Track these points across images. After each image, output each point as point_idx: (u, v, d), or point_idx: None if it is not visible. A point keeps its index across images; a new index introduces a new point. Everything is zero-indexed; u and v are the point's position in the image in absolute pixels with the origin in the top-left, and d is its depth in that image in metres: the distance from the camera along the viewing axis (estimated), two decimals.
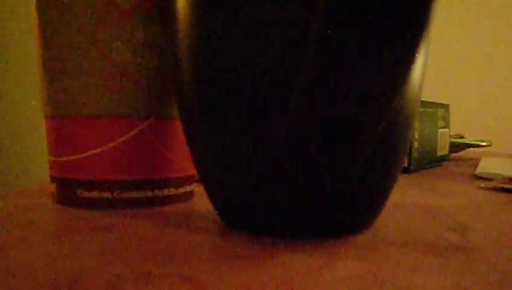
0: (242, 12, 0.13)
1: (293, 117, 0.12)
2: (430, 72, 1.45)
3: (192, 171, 0.23)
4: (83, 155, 0.20)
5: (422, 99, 0.47)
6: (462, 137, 0.59)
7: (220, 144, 0.15)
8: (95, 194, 0.20)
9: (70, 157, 0.20)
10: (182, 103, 0.16)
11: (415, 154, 0.38)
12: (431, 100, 1.47)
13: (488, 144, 0.52)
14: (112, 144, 0.19)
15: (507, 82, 1.40)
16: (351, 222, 0.15)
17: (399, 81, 0.11)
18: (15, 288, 0.10)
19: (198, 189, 0.26)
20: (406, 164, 0.37)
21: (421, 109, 0.39)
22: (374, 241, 0.15)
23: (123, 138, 0.20)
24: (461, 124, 1.44)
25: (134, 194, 0.20)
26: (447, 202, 0.23)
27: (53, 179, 0.21)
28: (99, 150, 0.19)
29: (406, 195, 0.26)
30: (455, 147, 0.52)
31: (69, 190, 0.20)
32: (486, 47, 1.41)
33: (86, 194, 0.20)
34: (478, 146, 0.51)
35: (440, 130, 0.44)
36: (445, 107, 0.45)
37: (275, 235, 0.15)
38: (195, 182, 0.27)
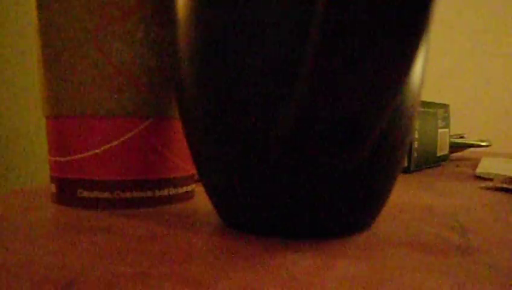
0: (242, 11, 0.13)
1: (292, 117, 0.12)
2: (430, 72, 1.45)
3: (192, 171, 0.23)
4: (83, 155, 0.20)
5: (422, 100, 0.47)
6: (462, 137, 0.59)
7: (220, 144, 0.15)
8: (95, 194, 0.20)
9: (70, 157, 0.20)
10: (182, 103, 0.16)
11: (415, 154, 0.38)
12: (431, 100, 1.47)
13: (488, 144, 0.52)
14: (112, 144, 0.19)
15: (507, 82, 1.40)
16: (351, 222, 0.15)
17: (399, 81, 0.11)
18: (15, 288, 0.10)
19: (198, 189, 0.26)
20: (406, 164, 0.37)
21: (421, 109, 0.39)
22: (374, 241, 0.15)
23: (123, 138, 0.20)
24: (461, 124, 1.44)
25: (134, 194, 0.20)
26: (447, 202, 0.23)
27: (53, 179, 0.21)
28: (99, 150, 0.19)
29: (406, 195, 0.26)
30: (455, 147, 0.52)
31: (69, 190, 0.20)
32: (486, 47, 1.41)
33: (86, 194, 0.20)
34: (478, 146, 0.51)
35: (440, 130, 0.44)
36: (445, 107, 0.45)
37: (275, 235, 0.15)
38: (195, 182, 0.27)
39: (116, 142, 0.19)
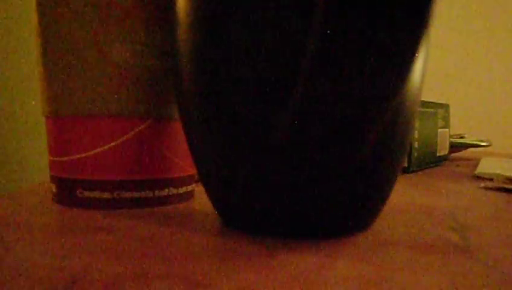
0: (242, 12, 0.13)
1: (293, 118, 0.12)
2: (430, 72, 1.45)
3: (192, 171, 0.23)
4: (83, 155, 0.20)
5: (422, 99, 0.47)
6: (462, 137, 0.59)
7: (220, 144, 0.15)
8: (95, 194, 0.20)
9: (70, 157, 0.20)
10: (182, 104, 0.16)
11: (415, 154, 0.38)
12: (431, 100, 1.47)
13: (488, 144, 0.52)
14: (111, 144, 0.19)
15: (507, 82, 1.40)
16: (351, 222, 0.15)
17: (399, 81, 0.11)
18: (15, 288, 0.10)
19: (198, 189, 0.26)
20: (406, 164, 0.37)
21: (421, 109, 0.39)
22: (374, 241, 0.15)
23: (123, 138, 0.20)
24: (461, 124, 1.44)
25: (134, 194, 0.20)
26: (447, 202, 0.23)
27: (53, 179, 0.21)
28: (99, 150, 0.19)
29: (406, 195, 0.26)
30: (455, 147, 0.52)
31: (69, 190, 0.20)
32: (486, 47, 1.41)
33: (86, 194, 0.20)
34: (478, 146, 0.51)
35: (440, 130, 0.44)
36: (445, 107, 0.45)
37: (275, 235, 0.15)
38: (195, 182, 0.27)
39: (116, 142, 0.19)
